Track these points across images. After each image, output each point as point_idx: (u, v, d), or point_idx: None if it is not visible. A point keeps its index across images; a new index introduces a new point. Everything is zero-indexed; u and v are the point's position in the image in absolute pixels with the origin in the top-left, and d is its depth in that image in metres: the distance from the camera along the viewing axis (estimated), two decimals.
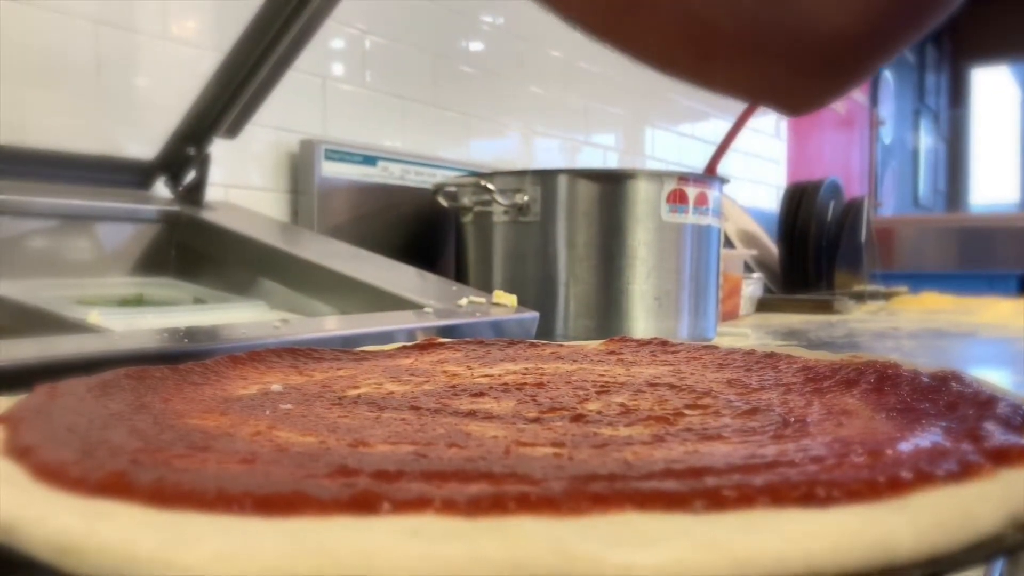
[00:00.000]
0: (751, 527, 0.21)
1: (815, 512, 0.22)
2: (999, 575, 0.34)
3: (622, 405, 0.39)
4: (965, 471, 0.25)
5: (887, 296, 1.91)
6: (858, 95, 3.20)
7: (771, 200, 2.23)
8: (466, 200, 1.05)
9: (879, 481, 0.24)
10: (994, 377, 0.41)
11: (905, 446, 0.28)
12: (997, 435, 0.30)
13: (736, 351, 0.52)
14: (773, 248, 2.01)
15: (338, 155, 1.15)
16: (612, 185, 0.98)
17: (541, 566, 0.20)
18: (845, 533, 0.22)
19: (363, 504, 0.22)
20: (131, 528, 0.22)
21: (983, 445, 0.28)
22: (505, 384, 0.45)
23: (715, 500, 0.22)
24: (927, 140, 4.24)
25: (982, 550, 0.24)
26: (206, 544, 0.21)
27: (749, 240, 1.95)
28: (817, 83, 0.47)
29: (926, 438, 0.30)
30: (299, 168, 1.14)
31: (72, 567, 0.22)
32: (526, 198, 0.99)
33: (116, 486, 0.24)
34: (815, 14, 0.44)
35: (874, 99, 3.47)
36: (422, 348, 0.55)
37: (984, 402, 0.35)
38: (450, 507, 0.22)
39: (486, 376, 0.48)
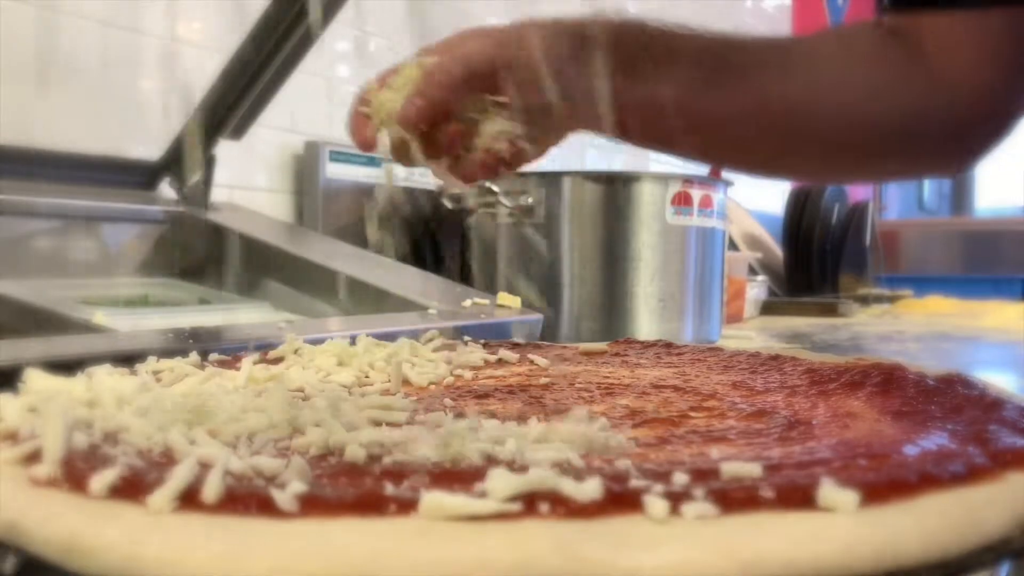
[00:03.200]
0: (758, 529, 0.21)
1: (822, 515, 0.22)
2: None
3: (627, 407, 0.39)
4: (972, 474, 0.25)
5: (891, 299, 1.90)
6: None
7: (776, 203, 2.23)
8: (471, 202, 1.05)
9: (885, 484, 0.24)
10: (999, 380, 0.41)
11: (911, 449, 0.28)
12: (1004, 438, 0.30)
13: (741, 353, 0.52)
14: (777, 251, 2.00)
15: (343, 156, 1.15)
16: (617, 187, 0.98)
17: (548, 568, 0.20)
18: (852, 536, 0.21)
19: (370, 505, 0.22)
20: (137, 528, 0.22)
21: (990, 448, 0.28)
22: (510, 386, 0.45)
23: (722, 502, 0.22)
24: None
25: (989, 553, 0.24)
26: (212, 544, 0.21)
27: (754, 243, 1.95)
28: (970, 143, 0.50)
29: (932, 441, 0.29)
30: (304, 169, 1.14)
31: (78, 567, 0.22)
32: (531, 200, 0.99)
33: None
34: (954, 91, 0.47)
35: None
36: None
37: (990, 405, 0.35)
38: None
39: (491, 378, 0.48)
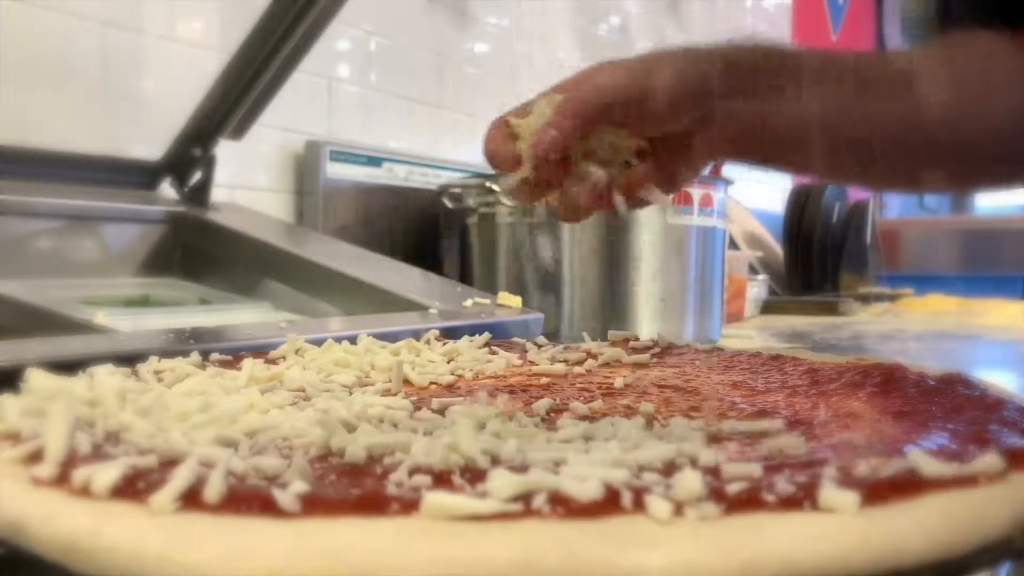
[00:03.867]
0: (759, 530, 0.21)
1: (823, 515, 0.22)
2: None
3: (628, 407, 0.39)
4: (973, 474, 0.25)
5: (892, 298, 1.90)
6: None
7: (776, 202, 2.23)
8: (471, 201, 1.05)
9: (886, 484, 0.24)
10: (1000, 380, 0.41)
11: (912, 448, 0.28)
12: (1004, 438, 0.30)
13: (742, 353, 0.52)
14: (778, 250, 2.00)
15: (343, 156, 1.15)
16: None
17: (550, 568, 0.20)
18: (853, 536, 0.21)
19: (371, 505, 0.22)
20: (138, 528, 0.22)
21: (990, 448, 0.28)
22: (511, 386, 0.45)
23: (723, 502, 0.22)
24: None
25: (990, 553, 0.24)
26: (215, 544, 0.21)
27: (754, 242, 1.95)
28: None
29: (933, 441, 0.29)
30: (304, 169, 1.14)
31: (80, 567, 0.22)
32: None
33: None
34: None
35: None
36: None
37: (991, 405, 0.35)
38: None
39: (492, 377, 0.48)
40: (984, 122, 0.49)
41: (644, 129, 0.45)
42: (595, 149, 0.44)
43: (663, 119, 0.44)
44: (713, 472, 0.25)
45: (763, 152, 0.49)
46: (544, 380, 0.47)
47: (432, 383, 0.46)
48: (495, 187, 1.01)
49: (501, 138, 0.46)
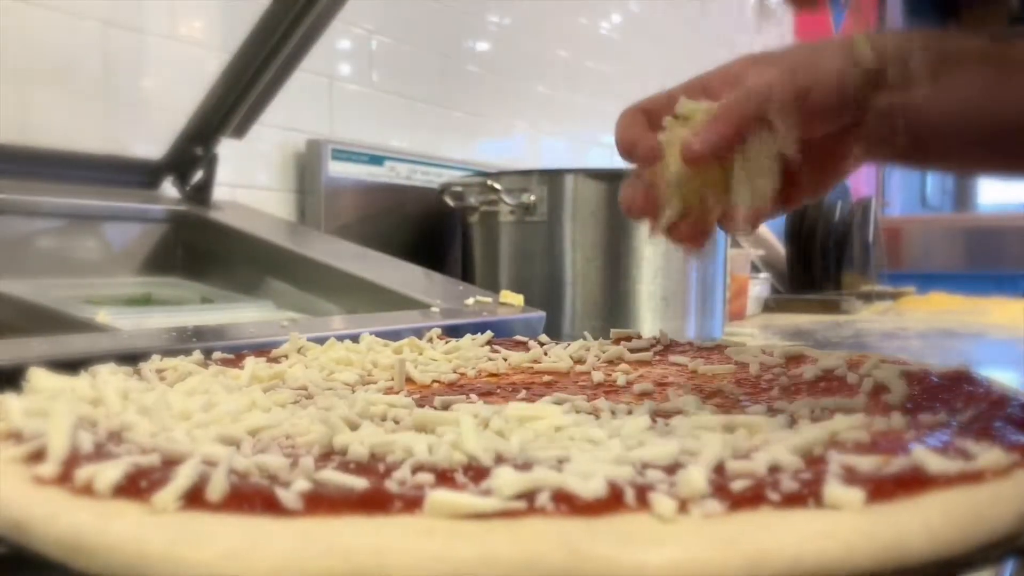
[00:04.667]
0: (763, 526, 0.21)
1: (828, 512, 0.22)
2: (1011, 575, 0.33)
3: (630, 408, 0.39)
4: (978, 471, 0.25)
5: (895, 296, 1.90)
6: None
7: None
8: (473, 200, 1.05)
9: (891, 481, 0.24)
10: (1003, 377, 0.41)
11: (917, 446, 0.28)
12: (1009, 435, 0.29)
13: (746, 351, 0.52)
14: (780, 248, 2.00)
15: (345, 155, 1.15)
16: (619, 185, 0.98)
17: (554, 565, 0.20)
18: (858, 533, 0.21)
19: (375, 503, 0.22)
20: (141, 526, 0.22)
21: (995, 445, 0.28)
22: (513, 384, 0.45)
23: (727, 499, 0.22)
24: None
25: (995, 550, 0.24)
26: (218, 543, 0.21)
27: (756, 240, 1.95)
28: None
29: (937, 438, 0.29)
30: (306, 168, 1.14)
31: (83, 565, 0.22)
32: (533, 198, 0.99)
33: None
34: None
35: None
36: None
37: (995, 402, 0.35)
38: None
39: (494, 376, 0.48)
40: None
41: (800, 132, 0.41)
42: (752, 156, 0.41)
43: (824, 118, 0.42)
44: (718, 469, 0.25)
45: (924, 149, 0.45)
46: (547, 378, 0.47)
47: (435, 381, 0.46)
48: (497, 185, 1.00)
49: (639, 128, 0.43)
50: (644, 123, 0.43)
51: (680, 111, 0.42)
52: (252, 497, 0.23)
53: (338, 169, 1.14)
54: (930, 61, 0.42)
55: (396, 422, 0.33)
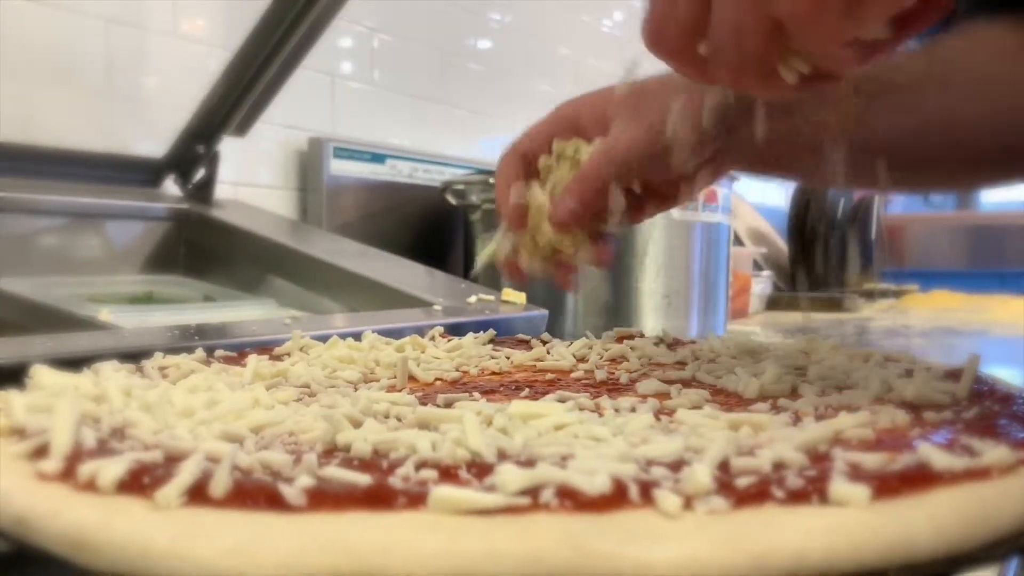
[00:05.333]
0: (768, 523, 0.21)
1: (833, 509, 0.22)
2: (1015, 572, 0.33)
3: (634, 406, 0.39)
4: (983, 468, 0.25)
5: (897, 294, 1.90)
6: None
7: (781, 198, 2.23)
8: (474, 198, 1.05)
9: (896, 478, 0.24)
10: (1006, 375, 0.41)
11: (922, 443, 0.28)
12: (1015, 432, 0.29)
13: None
14: (783, 246, 2.00)
15: (347, 153, 1.15)
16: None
17: (558, 562, 0.20)
18: (864, 529, 0.21)
19: (379, 499, 0.22)
20: (145, 523, 0.22)
21: (1001, 442, 0.28)
22: (516, 382, 0.45)
23: (732, 496, 0.22)
24: None
25: (1001, 547, 0.24)
26: (221, 539, 0.21)
27: (759, 238, 1.94)
28: None
29: (943, 435, 0.29)
30: (308, 166, 1.14)
31: (86, 562, 0.22)
32: None
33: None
34: None
35: None
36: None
37: (1000, 399, 0.35)
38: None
39: (497, 374, 0.48)
40: (1001, 124, 0.48)
41: (661, 175, 0.45)
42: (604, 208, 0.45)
43: (679, 169, 0.44)
44: (722, 466, 0.25)
45: (779, 167, 0.49)
46: (550, 376, 0.47)
47: (437, 379, 0.46)
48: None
49: (517, 189, 0.46)
50: (520, 174, 0.47)
51: (558, 152, 0.46)
52: (255, 493, 0.23)
53: (340, 167, 1.14)
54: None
55: (399, 419, 0.33)
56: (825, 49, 0.32)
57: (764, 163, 0.48)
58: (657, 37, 0.34)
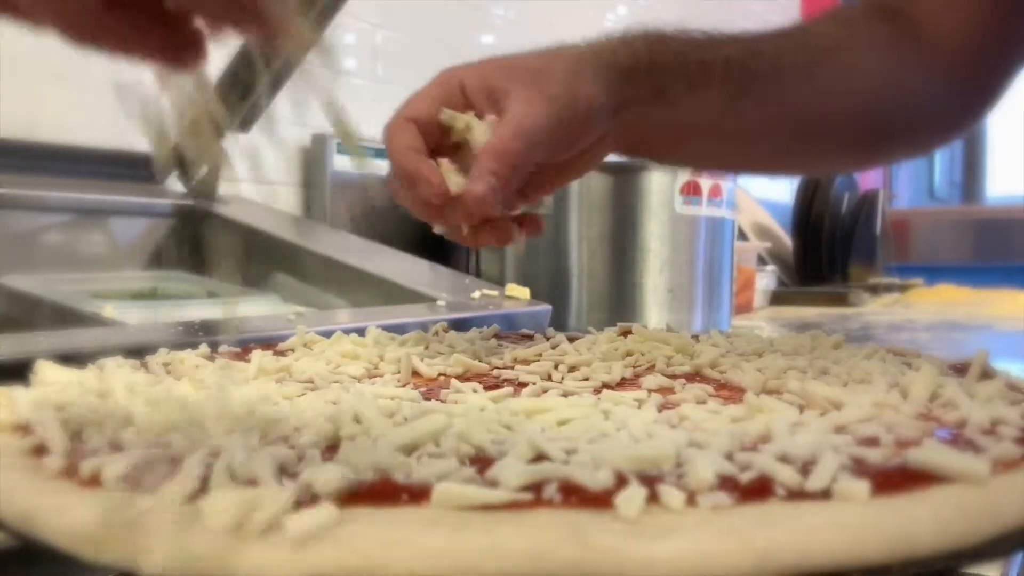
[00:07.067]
0: (772, 519, 0.21)
1: (837, 504, 0.22)
2: (1019, 568, 0.33)
3: (638, 400, 0.38)
4: (987, 464, 0.25)
5: (902, 288, 1.90)
6: None
7: (785, 192, 2.22)
8: None
9: (900, 473, 0.24)
10: (1012, 369, 0.41)
11: (927, 438, 0.28)
12: (1020, 428, 0.29)
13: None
14: (787, 240, 2.00)
15: None
16: (625, 177, 0.98)
17: (561, 557, 0.20)
18: (867, 525, 0.21)
19: (382, 495, 0.22)
20: (148, 519, 0.22)
21: (1004, 438, 0.28)
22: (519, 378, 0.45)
23: (735, 491, 0.22)
24: None
25: (1005, 543, 0.24)
26: (226, 535, 0.21)
27: (763, 232, 1.94)
28: (969, 110, 0.51)
29: (947, 430, 0.29)
30: (311, 162, 1.14)
31: (91, 557, 0.22)
32: None
33: None
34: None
35: None
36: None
37: None
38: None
39: (498, 369, 0.48)
40: (863, 110, 0.50)
41: (565, 151, 0.45)
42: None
43: (578, 143, 0.45)
44: (726, 461, 0.24)
45: (660, 152, 0.51)
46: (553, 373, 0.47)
47: (441, 374, 0.46)
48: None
49: (416, 153, 0.45)
50: (417, 141, 0.45)
51: (446, 122, 0.45)
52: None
53: (343, 163, 1.13)
54: (683, 74, 0.46)
55: (404, 417, 0.33)
56: None
57: (645, 147, 0.49)
58: None
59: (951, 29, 0.50)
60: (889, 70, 0.50)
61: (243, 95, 0.89)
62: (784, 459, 0.25)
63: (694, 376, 0.42)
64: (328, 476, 0.23)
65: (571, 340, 0.51)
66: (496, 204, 0.43)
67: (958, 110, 0.53)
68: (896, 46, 0.50)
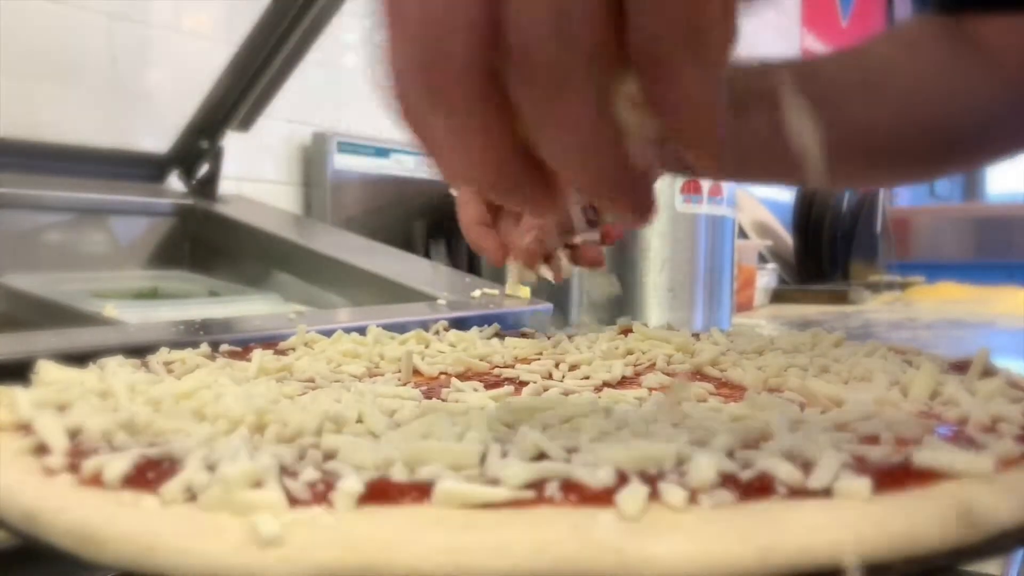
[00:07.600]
0: (774, 517, 0.21)
1: (839, 502, 0.22)
2: (1020, 566, 0.33)
3: (639, 400, 0.39)
4: (988, 461, 0.25)
5: (903, 286, 1.89)
6: None
7: (785, 191, 2.22)
8: None
9: (902, 471, 0.24)
10: (1013, 367, 0.41)
11: (928, 435, 0.28)
12: (1020, 426, 0.29)
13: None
14: (788, 239, 2.00)
15: (351, 148, 1.15)
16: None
17: (564, 556, 0.20)
18: (868, 522, 0.21)
19: (383, 493, 0.22)
20: (151, 518, 0.22)
21: (1006, 435, 0.28)
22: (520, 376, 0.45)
23: (737, 489, 0.22)
24: None
25: (1006, 540, 0.24)
26: (228, 534, 0.21)
27: (763, 231, 1.94)
28: None
29: (949, 427, 0.29)
30: (312, 161, 1.14)
31: (92, 556, 0.22)
32: None
33: None
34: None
35: None
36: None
37: None
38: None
39: (498, 367, 0.48)
40: (927, 129, 0.50)
41: None
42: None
43: None
44: (727, 459, 0.24)
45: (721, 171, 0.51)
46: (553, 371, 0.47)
47: (442, 373, 0.46)
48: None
49: (481, 228, 0.49)
50: (481, 213, 0.49)
51: None
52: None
53: (344, 162, 1.14)
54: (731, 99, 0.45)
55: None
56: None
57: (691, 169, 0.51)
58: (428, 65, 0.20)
59: (1015, 44, 0.50)
60: (954, 85, 0.50)
61: (244, 92, 0.89)
62: (785, 457, 0.25)
63: (695, 374, 0.43)
64: (329, 476, 0.23)
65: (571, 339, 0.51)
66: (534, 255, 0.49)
67: (1019, 135, 0.53)
68: (960, 60, 0.50)
